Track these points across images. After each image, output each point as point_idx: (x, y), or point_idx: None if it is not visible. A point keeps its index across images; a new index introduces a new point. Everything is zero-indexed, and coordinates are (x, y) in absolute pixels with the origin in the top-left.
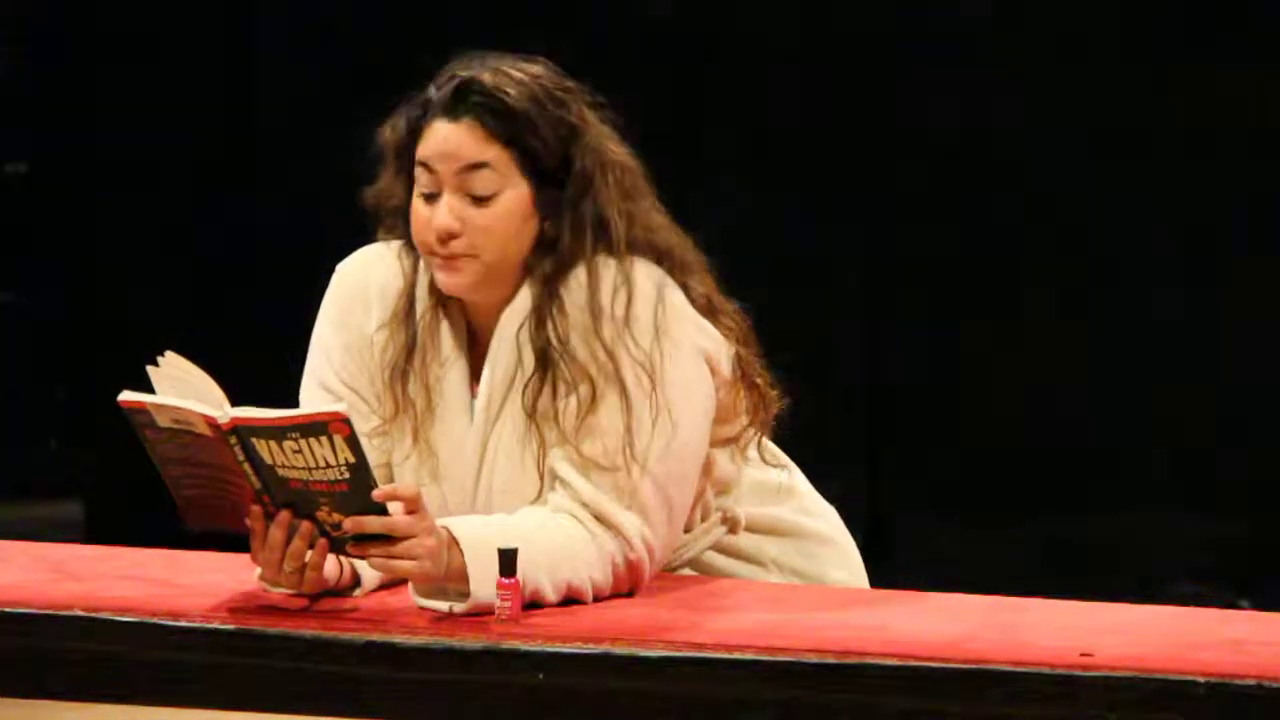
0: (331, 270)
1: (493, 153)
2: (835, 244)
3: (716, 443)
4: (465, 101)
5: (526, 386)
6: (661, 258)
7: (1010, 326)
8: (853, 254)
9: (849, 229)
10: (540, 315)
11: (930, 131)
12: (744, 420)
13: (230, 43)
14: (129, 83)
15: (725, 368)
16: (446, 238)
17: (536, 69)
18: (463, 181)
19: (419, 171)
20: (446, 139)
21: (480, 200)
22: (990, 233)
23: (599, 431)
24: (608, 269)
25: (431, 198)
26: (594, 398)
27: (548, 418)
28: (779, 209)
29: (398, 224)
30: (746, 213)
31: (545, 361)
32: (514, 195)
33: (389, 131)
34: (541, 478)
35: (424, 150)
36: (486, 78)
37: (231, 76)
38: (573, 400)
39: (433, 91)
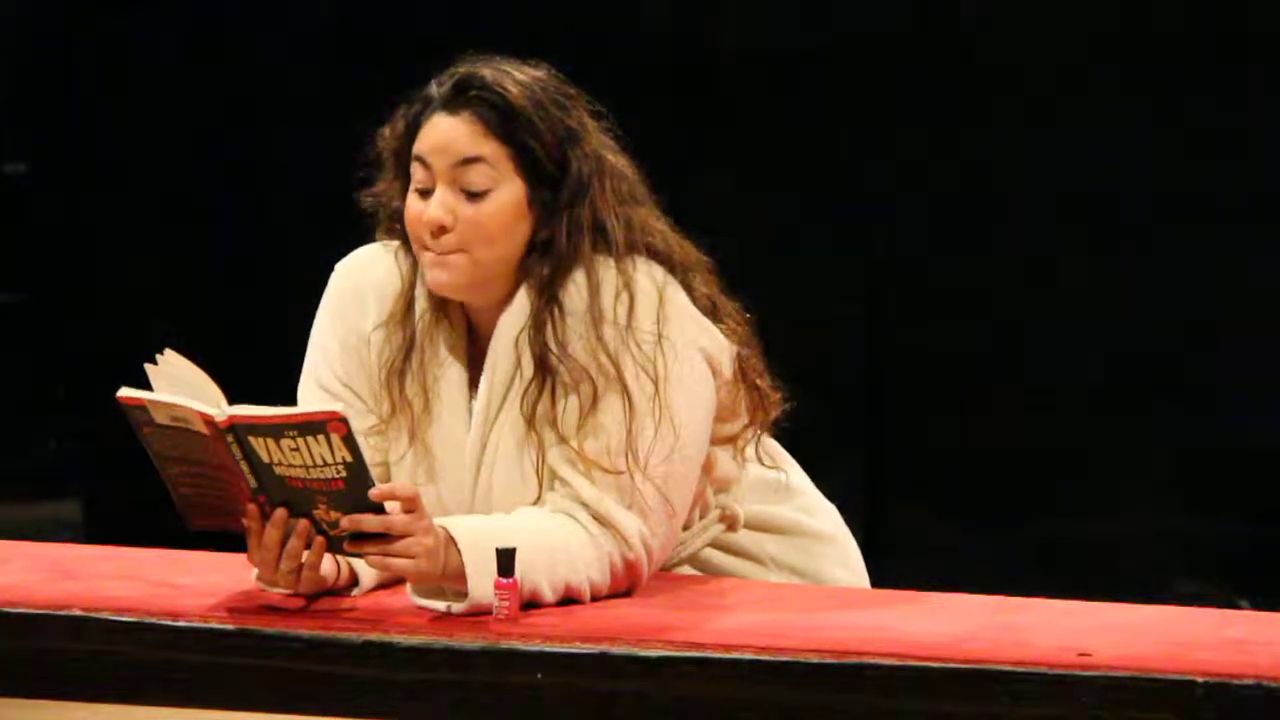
0: (331, 270)
1: (489, 148)
2: (835, 244)
3: (717, 441)
4: (464, 96)
5: (525, 392)
6: (661, 261)
7: (1010, 326)
8: (853, 254)
9: (849, 229)
10: (539, 320)
11: (931, 131)
12: (744, 420)
13: (232, 42)
14: (129, 83)
15: (727, 368)
16: (438, 231)
17: (539, 72)
18: (456, 176)
19: (415, 167)
20: (444, 132)
21: (473, 196)
22: (991, 233)
23: (600, 431)
24: (608, 271)
25: (425, 194)
26: (595, 397)
27: (546, 422)
28: (779, 209)
29: (396, 226)
30: (746, 212)
31: (544, 368)
32: (507, 193)
33: (387, 133)
34: (539, 481)
35: (420, 145)
36: (488, 74)
37: (233, 77)
38: (573, 400)
39: (433, 89)
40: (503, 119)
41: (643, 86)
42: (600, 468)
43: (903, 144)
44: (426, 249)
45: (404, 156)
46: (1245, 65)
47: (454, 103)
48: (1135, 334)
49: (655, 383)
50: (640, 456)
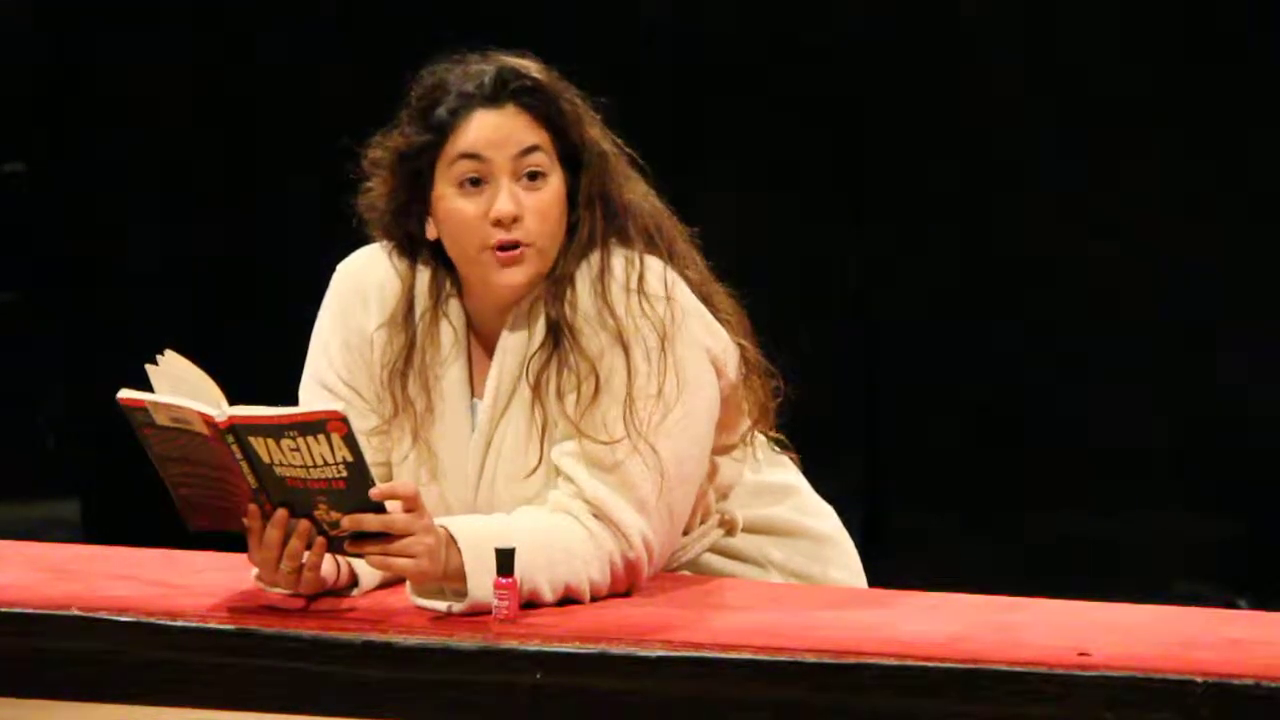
0: (332, 270)
1: (540, 136)
2: (835, 244)
3: (718, 450)
4: (506, 89)
5: (532, 360)
6: (657, 238)
7: (1011, 326)
8: (853, 254)
9: (849, 229)
10: (558, 289)
11: (931, 131)
12: (745, 425)
13: (231, 45)
14: (129, 82)
15: (731, 369)
16: (510, 222)
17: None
18: (518, 166)
19: (462, 164)
20: (498, 126)
21: (534, 179)
22: (991, 232)
23: (603, 422)
24: (618, 254)
25: (475, 184)
26: (597, 388)
27: (550, 393)
28: (778, 209)
29: (390, 232)
30: (746, 212)
31: (555, 336)
32: (556, 180)
33: (397, 139)
34: (542, 472)
35: (469, 141)
36: (516, 64)
37: (232, 79)
38: (580, 393)
39: (460, 82)
40: (545, 106)
41: (641, 86)
42: (602, 461)
43: (904, 141)
44: (492, 248)
45: (418, 161)
46: (1245, 65)
47: (498, 96)
48: (1135, 333)
49: (663, 346)
50: (640, 421)
